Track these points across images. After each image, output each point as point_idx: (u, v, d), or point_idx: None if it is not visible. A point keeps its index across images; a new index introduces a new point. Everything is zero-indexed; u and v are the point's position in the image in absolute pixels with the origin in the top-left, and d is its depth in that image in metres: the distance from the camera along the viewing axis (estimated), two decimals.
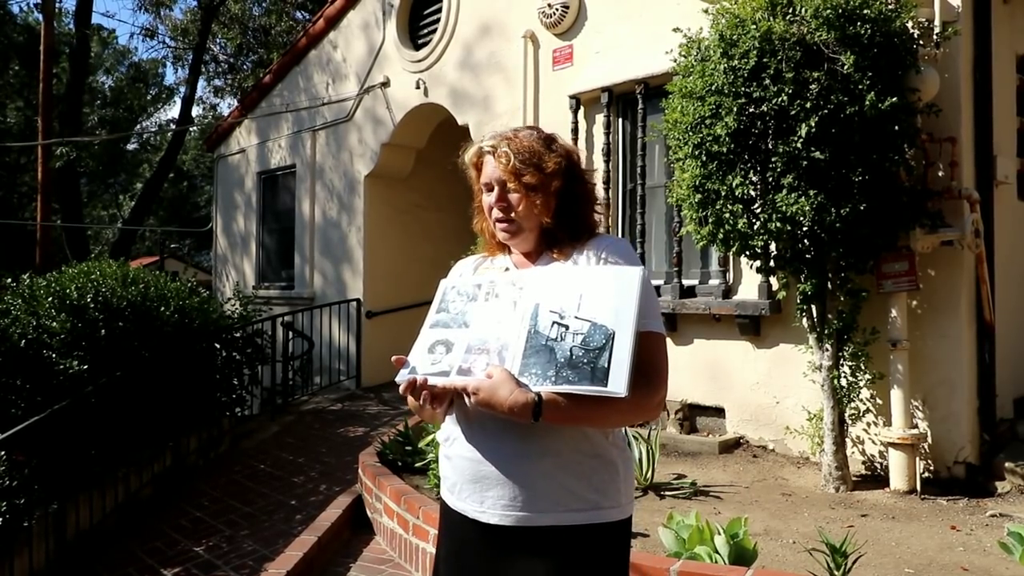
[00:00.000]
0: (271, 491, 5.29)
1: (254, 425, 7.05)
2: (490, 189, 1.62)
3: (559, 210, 1.60)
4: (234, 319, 7.13)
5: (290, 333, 7.98)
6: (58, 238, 17.90)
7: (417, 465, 4.37)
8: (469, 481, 1.50)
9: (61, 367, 4.88)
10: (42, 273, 6.37)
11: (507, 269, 1.66)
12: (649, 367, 1.44)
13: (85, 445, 4.79)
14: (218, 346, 6.62)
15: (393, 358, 1.56)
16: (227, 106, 19.99)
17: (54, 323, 5.09)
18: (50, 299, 5.30)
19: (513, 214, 1.59)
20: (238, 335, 6.94)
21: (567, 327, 1.40)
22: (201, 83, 20.22)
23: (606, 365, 1.34)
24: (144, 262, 20.06)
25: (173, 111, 29.16)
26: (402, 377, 1.49)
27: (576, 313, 1.41)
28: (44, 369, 4.82)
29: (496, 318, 1.49)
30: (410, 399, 1.51)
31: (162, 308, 5.85)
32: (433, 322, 1.57)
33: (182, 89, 20.45)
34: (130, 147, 27.72)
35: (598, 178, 5.71)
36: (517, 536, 1.46)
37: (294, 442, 6.46)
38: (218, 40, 19.24)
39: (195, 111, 20.72)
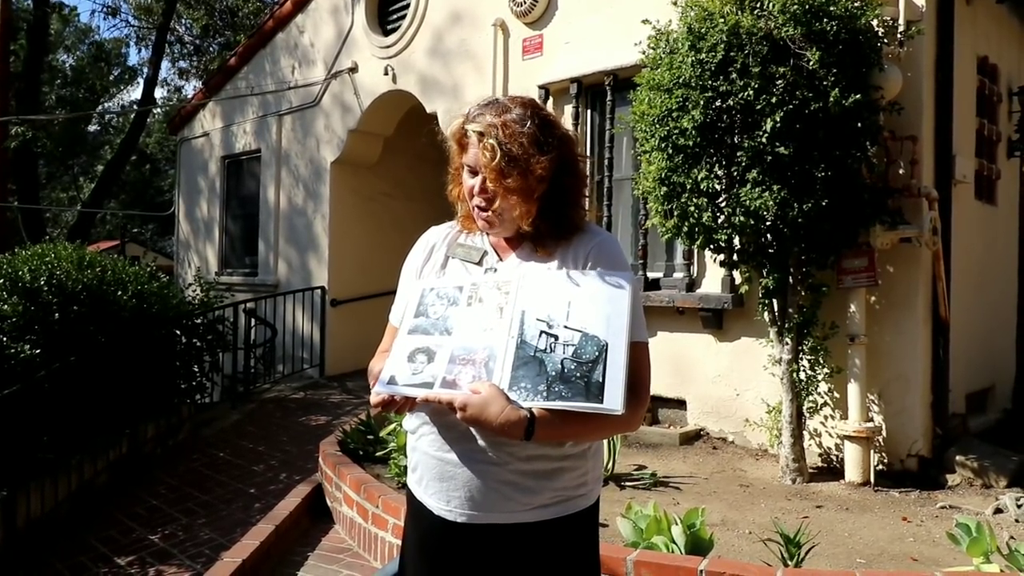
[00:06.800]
0: (230, 480, 5.21)
1: (214, 413, 6.92)
2: (473, 173, 1.49)
3: (542, 210, 1.48)
4: (195, 305, 7.00)
5: (253, 320, 7.85)
6: (14, 220, 17.38)
7: (378, 454, 4.33)
8: (436, 479, 1.47)
9: (12, 351, 4.72)
10: None
11: (484, 254, 1.56)
12: (636, 379, 1.40)
13: (37, 431, 4.65)
14: (178, 332, 6.48)
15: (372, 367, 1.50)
16: (192, 88, 19.56)
17: (6, 306, 4.93)
18: (1, 281, 5.13)
19: (493, 208, 1.48)
20: (199, 321, 6.80)
21: (556, 337, 1.34)
22: (165, 64, 19.76)
23: (600, 380, 1.28)
24: (104, 246, 19.61)
25: (136, 92, 28.43)
26: (383, 388, 1.39)
27: (565, 322, 1.35)
28: None
29: (481, 325, 1.40)
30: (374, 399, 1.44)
31: (119, 293, 5.70)
32: (412, 327, 1.46)
33: (145, 70, 19.95)
34: (91, 128, 26.96)
35: None
36: (483, 532, 1.44)
37: (255, 431, 6.37)
38: (183, 21, 18.81)
39: (159, 93, 20.26)
